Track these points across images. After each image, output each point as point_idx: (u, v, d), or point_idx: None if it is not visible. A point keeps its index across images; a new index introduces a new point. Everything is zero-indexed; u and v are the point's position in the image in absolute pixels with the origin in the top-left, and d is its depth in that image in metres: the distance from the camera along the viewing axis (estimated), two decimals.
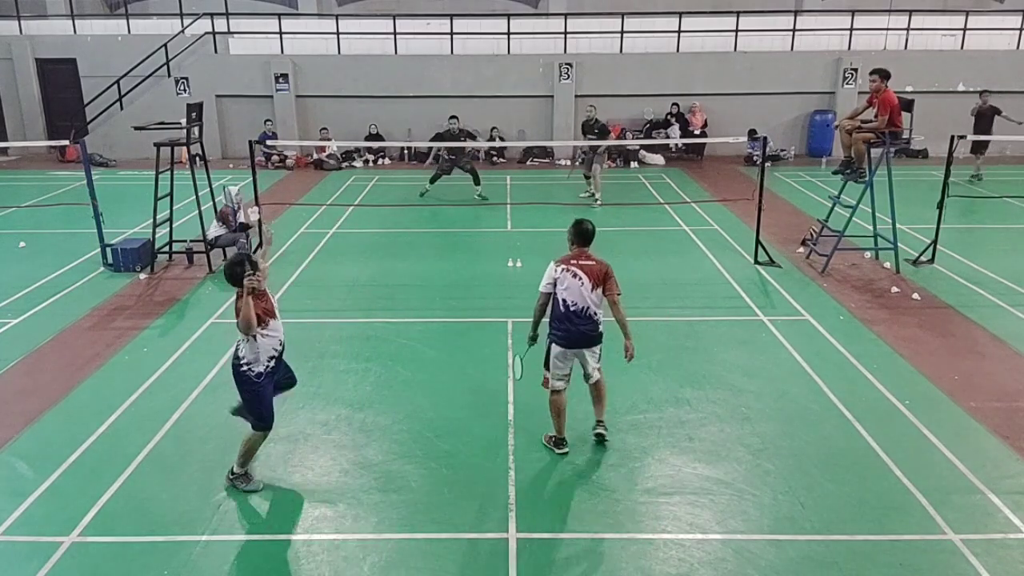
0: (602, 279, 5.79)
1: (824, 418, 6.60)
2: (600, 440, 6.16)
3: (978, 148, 16.21)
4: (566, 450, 6.06)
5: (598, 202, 14.60)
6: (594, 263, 5.82)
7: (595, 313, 5.80)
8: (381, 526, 5.23)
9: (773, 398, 6.95)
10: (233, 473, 5.64)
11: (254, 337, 5.30)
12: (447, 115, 19.70)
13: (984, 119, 16.10)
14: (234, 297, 5.31)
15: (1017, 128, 15.66)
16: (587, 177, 15.10)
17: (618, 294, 5.86)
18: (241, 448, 5.57)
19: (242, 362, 5.37)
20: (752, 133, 14.95)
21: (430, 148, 17.95)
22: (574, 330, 5.79)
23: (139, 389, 7.14)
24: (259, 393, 5.44)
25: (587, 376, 6.08)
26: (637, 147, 19.14)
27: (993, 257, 10.99)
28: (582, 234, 5.86)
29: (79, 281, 10.23)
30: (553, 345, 5.91)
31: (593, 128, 15.00)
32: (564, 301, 5.77)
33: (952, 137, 10.42)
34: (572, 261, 5.83)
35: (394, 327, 8.65)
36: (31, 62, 20.35)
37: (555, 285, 5.80)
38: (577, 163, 16.97)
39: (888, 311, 9.05)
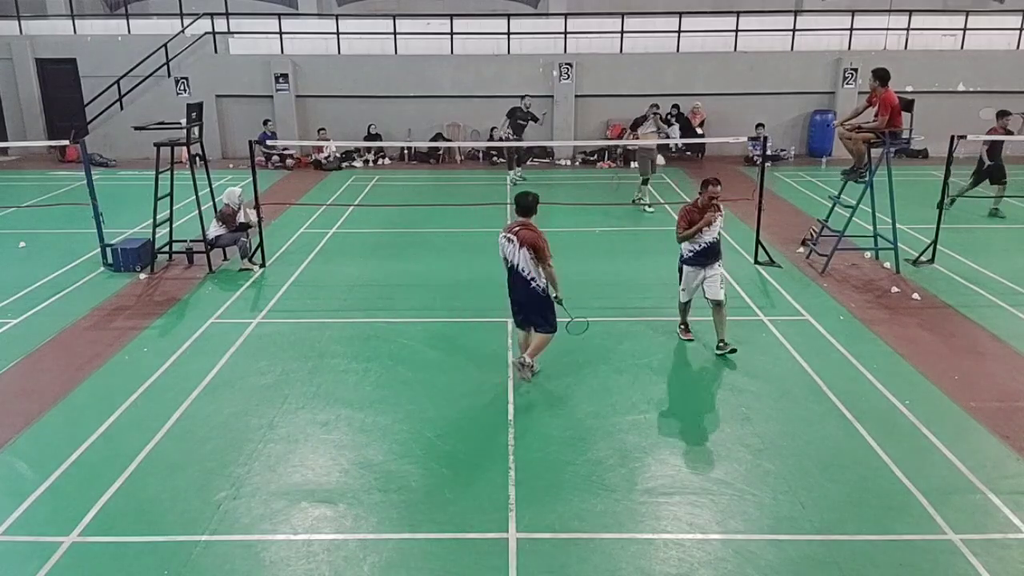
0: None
1: (824, 418, 6.60)
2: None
3: (999, 175, 13.36)
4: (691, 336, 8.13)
5: (649, 207, 14.11)
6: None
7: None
8: (381, 526, 5.23)
9: (773, 398, 6.95)
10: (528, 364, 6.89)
11: None
12: (447, 115, 19.95)
13: (998, 144, 13.04)
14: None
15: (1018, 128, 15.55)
16: (645, 182, 14.24)
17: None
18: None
19: None
20: (760, 127, 14.93)
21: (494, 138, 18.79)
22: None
23: (139, 389, 7.14)
24: None
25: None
26: (637, 147, 19.09)
27: (993, 257, 10.99)
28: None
29: (79, 281, 10.22)
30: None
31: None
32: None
33: (952, 137, 10.41)
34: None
35: (394, 327, 8.65)
36: (31, 62, 20.36)
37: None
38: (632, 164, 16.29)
39: (888, 311, 9.04)
